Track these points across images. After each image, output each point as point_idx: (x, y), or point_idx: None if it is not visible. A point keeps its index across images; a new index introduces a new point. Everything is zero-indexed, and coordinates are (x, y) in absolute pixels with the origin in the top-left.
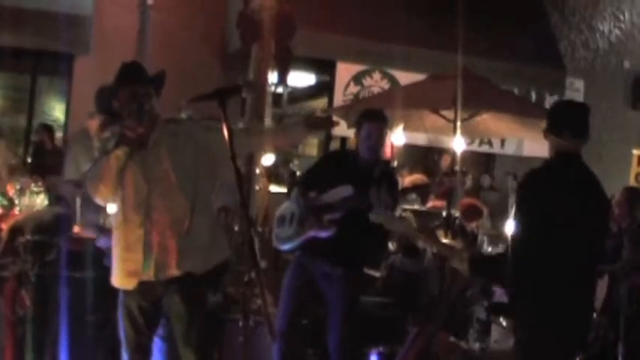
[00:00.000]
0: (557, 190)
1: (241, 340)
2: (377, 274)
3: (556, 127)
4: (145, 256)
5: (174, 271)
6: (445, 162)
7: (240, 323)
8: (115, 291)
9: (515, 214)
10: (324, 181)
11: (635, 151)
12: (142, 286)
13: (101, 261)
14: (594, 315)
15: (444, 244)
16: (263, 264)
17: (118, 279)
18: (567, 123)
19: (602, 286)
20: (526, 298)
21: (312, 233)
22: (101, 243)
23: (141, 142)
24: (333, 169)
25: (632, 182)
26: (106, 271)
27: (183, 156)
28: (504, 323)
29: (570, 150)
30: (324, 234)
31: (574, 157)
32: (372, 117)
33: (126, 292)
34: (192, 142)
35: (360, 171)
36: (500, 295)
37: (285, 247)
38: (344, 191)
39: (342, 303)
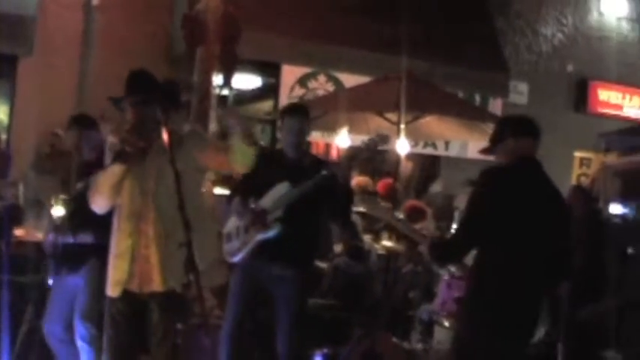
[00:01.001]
0: (520, 192)
1: (179, 343)
2: (324, 272)
3: (517, 131)
4: (130, 266)
5: (157, 286)
6: (406, 168)
7: (179, 326)
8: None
9: (471, 211)
10: (259, 184)
11: (576, 154)
12: (127, 295)
13: (41, 265)
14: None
15: (416, 230)
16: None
17: (108, 285)
18: (528, 127)
19: None
20: (475, 295)
21: (259, 237)
22: (49, 239)
23: (142, 154)
24: (265, 170)
25: (574, 183)
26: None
27: (184, 167)
28: (447, 324)
29: (531, 153)
30: (271, 234)
31: (535, 161)
32: (292, 111)
33: (111, 299)
34: (191, 155)
35: (291, 166)
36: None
37: (237, 258)
38: (282, 189)
39: (291, 305)
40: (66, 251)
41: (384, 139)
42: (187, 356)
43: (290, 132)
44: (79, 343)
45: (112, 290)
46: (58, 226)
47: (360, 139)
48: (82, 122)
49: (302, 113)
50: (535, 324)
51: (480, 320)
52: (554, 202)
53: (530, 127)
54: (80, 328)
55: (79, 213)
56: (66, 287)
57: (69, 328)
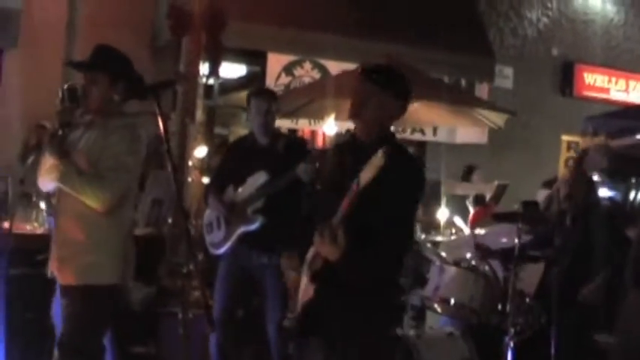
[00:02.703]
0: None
1: (180, 333)
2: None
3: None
4: (52, 248)
5: (59, 275)
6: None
7: (180, 316)
8: (49, 288)
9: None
10: (235, 172)
11: (564, 137)
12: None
13: (34, 257)
14: (528, 300)
15: None
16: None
17: None
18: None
19: (537, 271)
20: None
21: (242, 229)
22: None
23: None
24: (239, 159)
25: (562, 168)
26: (39, 268)
27: (93, 153)
28: (439, 310)
29: None
30: (253, 227)
31: None
32: (258, 93)
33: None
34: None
35: (265, 152)
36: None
37: (222, 250)
38: (259, 178)
39: (281, 293)
40: None
41: None
42: (189, 347)
43: (258, 113)
44: None
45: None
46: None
47: (347, 126)
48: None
49: (268, 94)
50: None
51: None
52: None
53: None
54: None
55: None
56: None
57: None
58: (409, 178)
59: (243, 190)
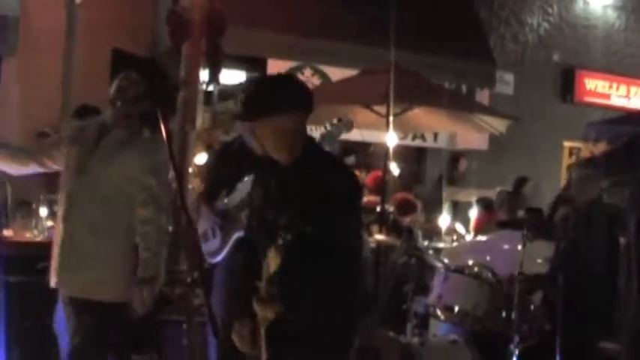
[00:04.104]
0: None
1: (185, 343)
2: None
3: None
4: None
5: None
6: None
7: (184, 326)
8: (50, 295)
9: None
10: (226, 179)
11: (566, 143)
12: None
13: (34, 265)
14: (532, 307)
15: None
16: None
17: None
18: None
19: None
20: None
21: (236, 235)
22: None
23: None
24: (229, 165)
25: (564, 174)
26: (38, 276)
27: (112, 168)
28: (443, 317)
29: None
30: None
31: None
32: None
33: None
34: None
35: (252, 155)
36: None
37: (218, 258)
38: (248, 184)
39: None
40: None
41: (348, 124)
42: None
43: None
44: None
45: None
46: None
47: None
48: (82, 113)
49: None
50: None
51: None
52: None
53: None
54: None
55: None
56: None
57: None
58: None
59: (234, 197)
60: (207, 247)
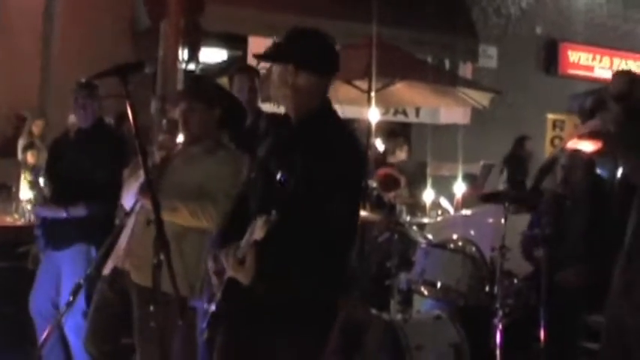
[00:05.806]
0: None
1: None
2: None
3: None
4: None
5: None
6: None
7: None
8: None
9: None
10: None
11: (549, 116)
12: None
13: (14, 250)
14: (516, 281)
15: None
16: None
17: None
18: None
19: None
20: None
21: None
22: (39, 212)
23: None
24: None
25: (548, 146)
26: (19, 261)
27: (193, 168)
28: (426, 293)
29: None
30: None
31: None
32: (241, 69)
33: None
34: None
35: (246, 131)
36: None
37: None
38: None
39: None
40: (53, 227)
41: None
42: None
43: (240, 90)
44: (67, 333)
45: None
46: (46, 200)
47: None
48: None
49: (252, 71)
50: None
51: None
52: None
53: None
54: (67, 319)
55: (71, 186)
56: (51, 264)
57: (53, 305)
58: None
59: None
60: None
